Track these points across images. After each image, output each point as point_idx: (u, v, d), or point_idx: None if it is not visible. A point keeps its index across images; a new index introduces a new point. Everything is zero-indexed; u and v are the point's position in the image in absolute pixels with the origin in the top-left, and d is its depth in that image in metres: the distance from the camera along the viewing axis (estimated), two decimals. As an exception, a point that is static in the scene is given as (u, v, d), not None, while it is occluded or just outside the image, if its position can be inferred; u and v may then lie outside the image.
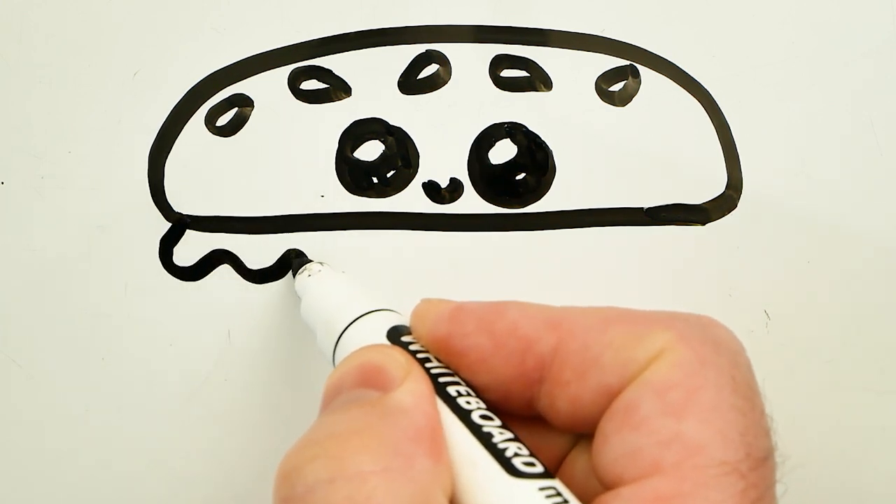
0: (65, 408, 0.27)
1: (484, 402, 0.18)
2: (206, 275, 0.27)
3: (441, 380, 0.18)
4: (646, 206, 0.27)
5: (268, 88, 0.28)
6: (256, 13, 0.28)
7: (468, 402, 0.18)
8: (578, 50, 0.28)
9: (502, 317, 0.18)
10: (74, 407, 0.27)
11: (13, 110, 0.27)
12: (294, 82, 0.28)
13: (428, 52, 0.28)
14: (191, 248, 0.27)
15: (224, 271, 0.27)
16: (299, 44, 0.28)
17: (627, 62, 0.28)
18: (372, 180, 0.28)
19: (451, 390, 0.18)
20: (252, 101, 0.28)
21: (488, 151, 0.28)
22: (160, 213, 0.27)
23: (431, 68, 0.28)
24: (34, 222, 0.27)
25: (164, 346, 0.27)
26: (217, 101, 0.28)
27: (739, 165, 0.27)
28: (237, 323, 0.27)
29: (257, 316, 0.27)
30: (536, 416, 0.18)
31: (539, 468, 0.16)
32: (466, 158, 0.28)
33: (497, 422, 0.17)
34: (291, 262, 0.27)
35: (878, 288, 0.27)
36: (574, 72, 0.28)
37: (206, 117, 0.28)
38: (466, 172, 0.28)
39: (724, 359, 0.17)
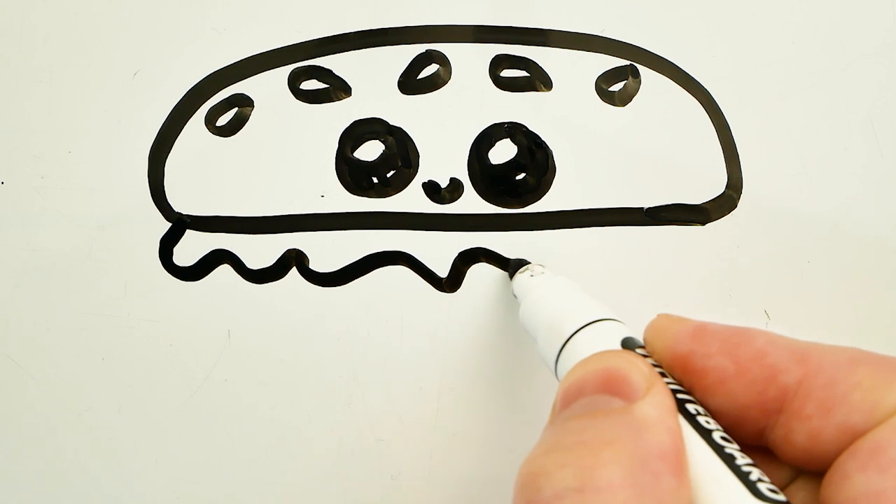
0: (65, 408, 0.27)
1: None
2: (206, 275, 0.27)
3: (679, 396, 0.18)
4: (646, 206, 0.27)
5: (268, 88, 0.28)
6: (256, 13, 0.28)
7: (707, 422, 0.17)
8: (578, 50, 0.28)
9: (749, 343, 0.18)
10: (74, 407, 0.27)
11: (13, 110, 0.27)
12: (294, 82, 0.28)
13: (428, 52, 0.28)
14: (191, 248, 0.27)
15: (224, 271, 0.27)
16: (299, 44, 0.28)
17: (627, 62, 0.28)
18: (372, 180, 0.28)
19: (690, 408, 0.18)
20: (252, 101, 0.28)
21: (488, 151, 0.28)
22: (160, 213, 0.27)
23: (431, 68, 0.28)
24: (34, 222, 0.27)
25: (164, 346, 0.27)
26: (217, 101, 0.28)
27: (739, 165, 0.27)
28: (237, 323, 0.27)
29: (257, 316, 0.27)
30: (760, 447, 0.18)
31: (782, 497, 0.16)
32: (466, 158, 0.28)
33: (736, 445, 0.17)
34: (509, 262, 0.27)
35: (878, 288, 0.27)
36: (574, 72, 0.28)
37: (206, 117, 0.28)
38: (466, 172, 0.28)
39: None
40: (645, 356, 0.19)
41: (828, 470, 0.17)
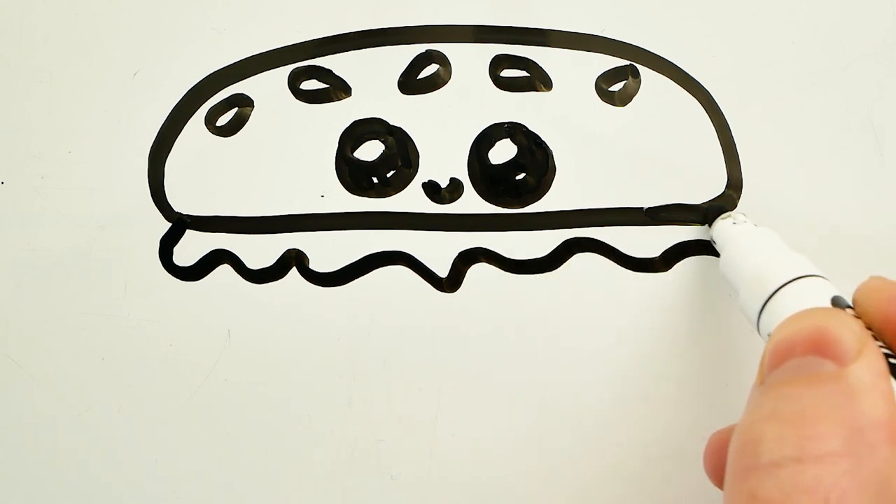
0: (65, 408, 0.27)
1: None
2: (206, 275, 0.27)
3: (891, 361, 0.17)
4: (646, 206, 0.27)
5: (268, 88, 0.28)
6: (256, 13, 0.28)
7: None
8: (578, 50, 0.28)
9: None
10: (74, 407, 0.27)
11: (13, 110, 0.27)
12: (294, 82, 0.28)
13: (428, 52, 0.28)
14: (191, 248, 0.27)
15: (224, 271, 0.27)
16: (299, 44, 0.28)
17: (627, 62, 0.28)
18: (372, 180, 0.28)
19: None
20: (252, 101, 0.28)
21: (488, 151, 0.28)
22: (160, 213, 0.27)
23: (431, 68, 0.28)
24: (34, 222, 0.27)
25: (164, 346, 0.27)
26: (217, 101, 0.28)
27: (739, 165, 0.27)
28: (237, 323, 0.27)
29: (257, 316, 0.27)
30: None
31: None
32: (466, 158, 0.28)
33: None
34: (710, 209, 0.26)
35: (878, 288, 0.27)
36: (574, 72, 0.28)
37: (206, 117, 0.28)
38: (466, 172, 0.28)
39: None
40: (855, 317, 0.18)
41: None
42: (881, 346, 0.18)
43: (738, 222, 0.25)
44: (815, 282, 0.20)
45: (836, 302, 0.19)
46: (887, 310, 0.18)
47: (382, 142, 0.28)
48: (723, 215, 0.26)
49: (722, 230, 0.25)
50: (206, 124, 0.28)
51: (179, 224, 0.27)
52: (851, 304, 0.19)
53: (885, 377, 0.17)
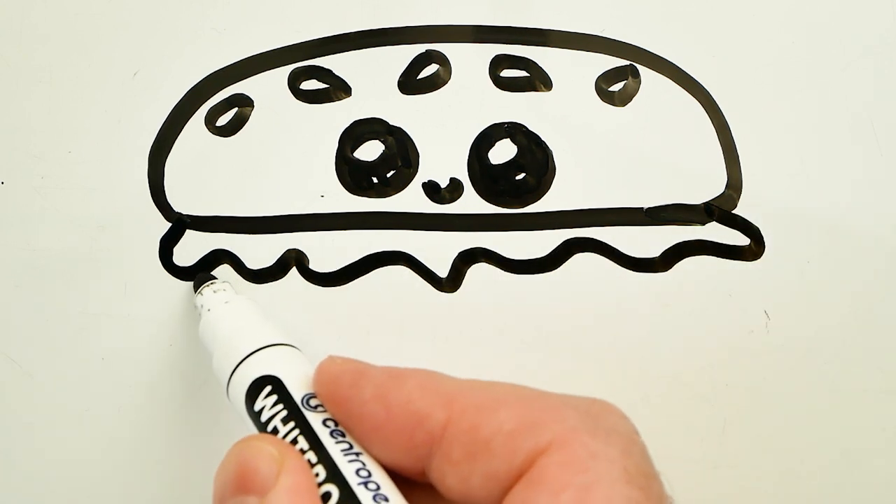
0: (65, 408, 0.27)
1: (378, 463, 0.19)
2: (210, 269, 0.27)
3: (324, 440, 0.19)
4: (646, 206, 0.27)
5: (268, 88, 0.28)
6: (256, 13, 0.28)
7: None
8: (578, 50, 0.28)
9: (399, 387, 0.19)
10: (74, 407, 0.27)
11: (13, 110, 0.27)
12: (294, 82, 0.28)
13: (428, 52, 0.28)
14: (191, 248, 0.27)
15: (224, 271, 0.27)
16: (299, 44, 0.28)
17: (627, 62, 0.28)
18: (372, 180, 0.28)
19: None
20: (252, 101, 0.28)
21: (488, 151, 0.28)
22: (160, 213, 0.27)
23: (431, 68, 0.28)
24: (34, 222, 0.27)
25: (164, 346, 0.27)
26: (217, 101, 0.28)
27: (739, 165, 0.27)
28: (237, 323, 0.27)
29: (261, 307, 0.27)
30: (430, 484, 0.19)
31: None
32: (466, 158, 0.28)
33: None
34: (200, 276, 0.27)
35: (878, 288, 0.27)
36: (574, 72, 0.28)
37: (206, 117, 0.28)
38: (466, 172, 0.28)
39: (616, 449, 0.17)
40: (307, 409, 0.20)
41: None
42: (335, 431, 0.19)
43: (218, 290, 0.25)
44: (283, 350, 0.22)
45: (267, 384, 0.21)
46: (335, 392, 0.19)
47: (382, 142, 0.28)
48: (208, 283, 0.26)
49: (205, 298, 0.25)
50: (206, 124, 0.28)
51: (179, 224, 0.27)
52: (313, 393, 0.20)
53: (303, 492, 0.18)
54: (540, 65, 0.28)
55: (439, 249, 0.27)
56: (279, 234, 0.27)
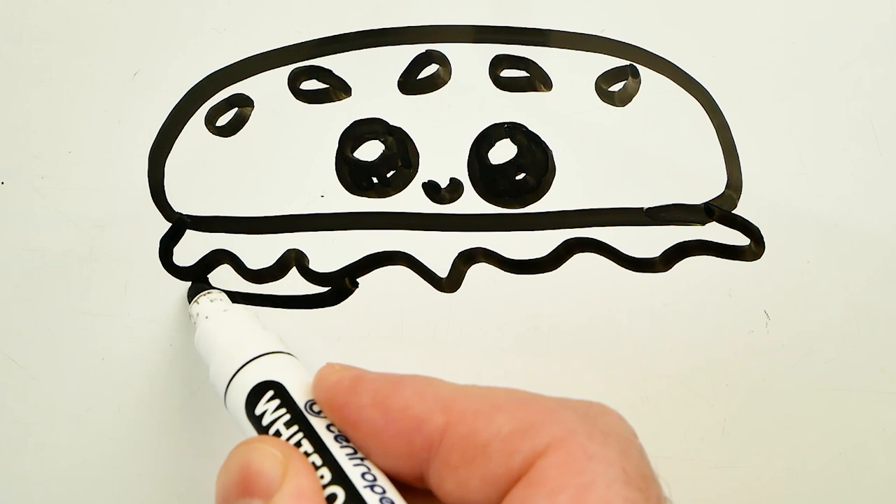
0: (65, 408, 0.27)
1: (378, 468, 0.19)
2: (206, 275, 0.27)
3: (329, 444, 0.19)
4: (646, 206, 0.27)
5: (268, 88, 0.28)
6: (256, 13, 0.28)
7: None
8: (578, 50, 0.28)
9: (397, 393, 0.19)
10: (74, 407, 0.27)
11: (13, 110, 0.27)
12: (294, 82, 0.28)
13: (428, 52, 0.28)
14: (191, 248, 0.27)
15: (224, 271, 0.27)
16: (299, 44, 0.28)
17: (627, 62, 0.28)
18: (372, 180, 0.28)
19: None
20: (252, 101, 0.28)
21: (488, 151, 0.28)
22: (160, 213, 0.27)
23: (431, 68, 0.28)
24: (34, 222, 0.27)
25: (164, 346, 0.27)
26: (217, 101, 0.28)
27: (739, 165, 0.27)
28: (237, 323, 0.27)
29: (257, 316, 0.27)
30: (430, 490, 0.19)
31: None
32: (466, 158, 0.28)
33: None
34: (195, 287, 0.27)
35: (877, 288, 0.27)
36: (574, 72, 0.28)
37: (206, 117, 0.28)
38: (466, 172, 0.28)
39: (614, 451, 0.17)
40: (310, 414, 0.20)
41: None
42: (339, 436, 0.19)
43: (214, 300, 0.26)
44: (283, 357, 0.22)
45: (280, 389, 0.21)
46: (333, 399, 0.20)
47: (382, 142, 0.28)
48: (204, 292, 0.26)
49: (201, 306, 0.25)
50: (206, 124, 0.28)
51: (179, 224, 0.27)
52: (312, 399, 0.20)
53: (309, 494, 0.18)
54: (540, 65, 0.28)
55: (439, 249, 0.27)
56: (279, 234, 0.27)
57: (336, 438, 0.19)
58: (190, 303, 0.26)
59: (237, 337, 0.23)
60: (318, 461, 0.19)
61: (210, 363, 0.23)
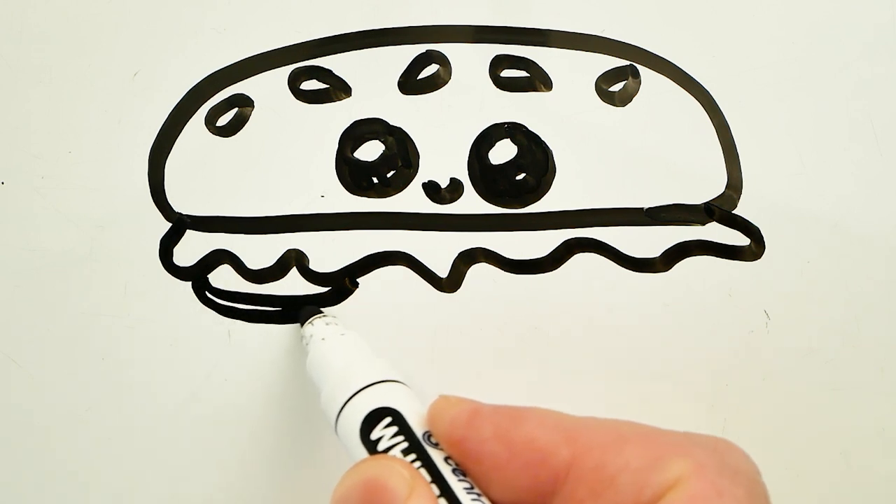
0: (65, 408, 0.27)
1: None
2: (206, 275, 0.27)
3: (447, 476, 0.19)
4: (646, 206, 0.27)
5: (268, 88, 0.28)
6: (256, 13, 0.28)
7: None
8: (578, 50, 0.28)
9: (520, 426, 0.19)
10: (74, 407, 0.27)
11: (13, 110, 0.27)
12: (294, 82, 0.28)
13: (428, 52, 0.28)
14: (191, 248, 0.27)
15: (224, 271, 0.27)
16: (299, 44, 0.28)
17: (627, 62, 0.28)
18: (372, 180, 0.28)
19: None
20: (252, 101, 0.28)
21: (488, 151, 0.28)
22: (160, 213, 0.27)
23: (431, 68, 0.28)
24: (34, 222, 0.27)
25: (164, 346, 0.27)
26: (217, 101, 0.28)
27: (739, 165, 0.27)
28: (237, 323, 0.27)
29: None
30: None
31: None
32: (466, 158, 0.28)
33: None
34: (301, 309, 0.27)
35: (877, 288, 0.27)
36: (574, 72, 0.28)
37: (206, 117, 0.28)
38: (466, 172, 0.28)
39: (742, 489, 0.17)
40: (428, 445, 0.20)
41: None
42: (456, 469, 0.19)
43: (330, 323, 0.25)
44: (400, 387, 0.22)
45: (397, 416, 0.21)
46: (451, 433, 0.19)
47: (382, 142, 0.28)
48: (318, 315, 0.26)
49: (316, 328, 0.25)
50: (206, 124, 0.28)
51: (179, 224, 0.27)
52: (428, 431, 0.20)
53: None
54: (540, 65, 0.28)
55: (439, 249, 0.27)
56: (279, 234, 0.27)
57: (454, 471, 0.19)
58: (303, 325, 0.26)
59: (358, 360, 0.23)
60: (437, 491, 0.18)
61: (324, 384, 0.23)
